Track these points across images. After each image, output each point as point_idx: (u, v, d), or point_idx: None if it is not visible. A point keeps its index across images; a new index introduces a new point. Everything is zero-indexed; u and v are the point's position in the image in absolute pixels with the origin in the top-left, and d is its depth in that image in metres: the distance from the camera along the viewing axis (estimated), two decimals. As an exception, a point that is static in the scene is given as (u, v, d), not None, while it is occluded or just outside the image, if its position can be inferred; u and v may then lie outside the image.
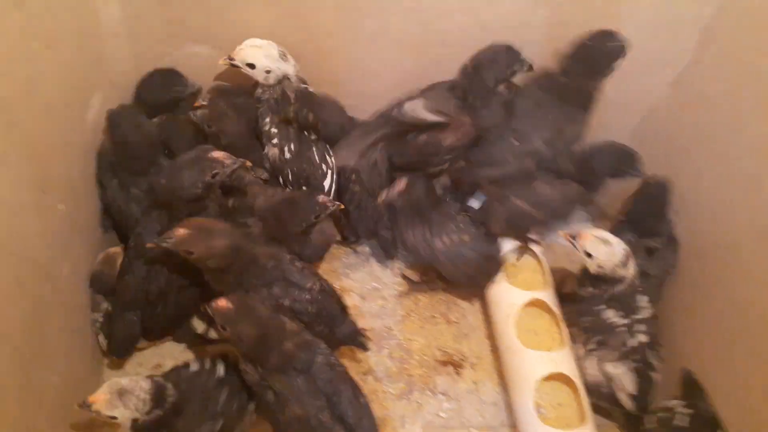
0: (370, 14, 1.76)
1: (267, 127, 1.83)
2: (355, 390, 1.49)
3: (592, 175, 1.89)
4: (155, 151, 1.78)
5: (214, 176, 1.53)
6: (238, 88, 1.90)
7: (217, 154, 1.54)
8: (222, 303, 1.31)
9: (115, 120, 1.70)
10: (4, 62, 1.24)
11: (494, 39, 1.80)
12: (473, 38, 1.79)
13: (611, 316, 1.69)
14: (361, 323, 1.99)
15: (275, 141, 1.83)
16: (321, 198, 1.70)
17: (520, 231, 1.96)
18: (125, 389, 1.29)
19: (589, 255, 1.67)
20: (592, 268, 1.68)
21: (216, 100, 1.78)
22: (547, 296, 1.92)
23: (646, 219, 1.89)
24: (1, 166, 1.23)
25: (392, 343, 2.00)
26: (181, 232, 1.38)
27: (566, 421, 1.75)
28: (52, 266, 1.48)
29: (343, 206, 1.74)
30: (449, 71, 1.89)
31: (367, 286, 2.13)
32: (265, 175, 1.89)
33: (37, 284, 1.40)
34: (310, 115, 1.81)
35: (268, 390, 1.38)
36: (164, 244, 1.39)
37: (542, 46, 1.82)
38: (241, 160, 1.57)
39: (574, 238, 1.70)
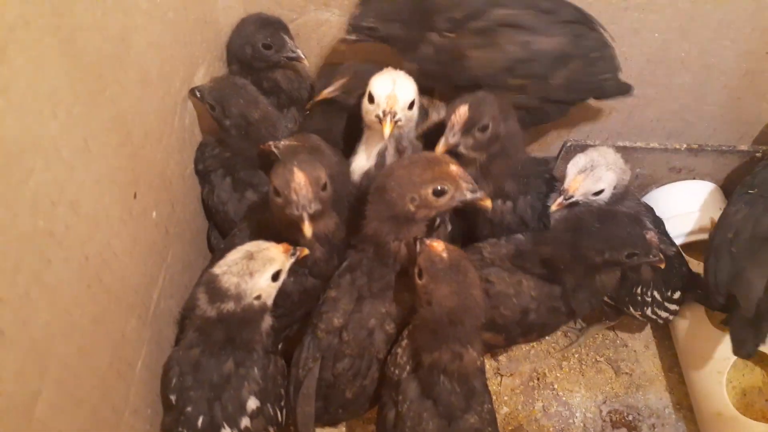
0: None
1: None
2: None
3: None
4: (278, 132, 1.38)
5: None
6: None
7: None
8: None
9: (222, 96, 1.31)
10: (92, 9, 0.86)
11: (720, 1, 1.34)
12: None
13: None
14: (506, 368, 1.60)
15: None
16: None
17: None
18: None
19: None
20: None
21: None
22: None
23: None
24: (83, 159, 0.87)
25: (547, 394, 1.60)
26: None
27: None
28: (140, 294, 1.12)
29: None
30: (645, 44, 1.45)
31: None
32: None
33: (120, 320, 1.05)
34: None
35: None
36: None
37: None
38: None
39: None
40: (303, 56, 1.43)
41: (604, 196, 1.30)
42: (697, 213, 1.63)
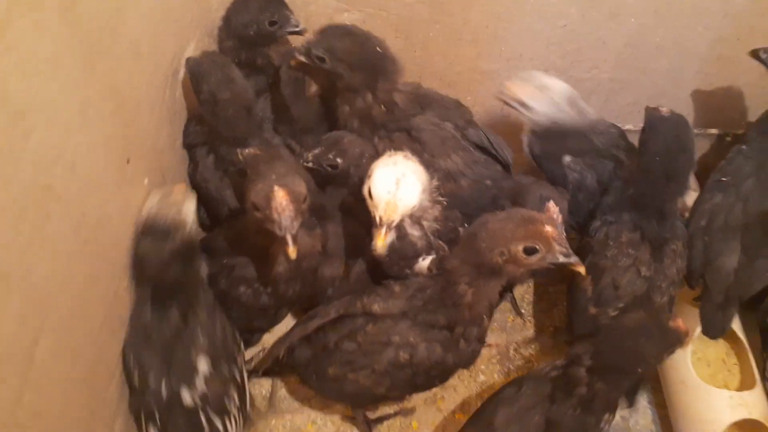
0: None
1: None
2: None
3: None
4: (252, 116, 1.41)
5: None
6: None
7: None
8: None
9: (198, 70, 1.33)
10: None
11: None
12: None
13: None
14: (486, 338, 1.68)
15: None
16: None
17: None
18: None
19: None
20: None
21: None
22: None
23: None
24: (81, 122, 0.92)
25: (522, 364, 1.68)
26: None
27: (754, 478, 1.46)
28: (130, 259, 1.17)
29: None
30: (623, 29, 1.51)
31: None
32: None
33: (114, 279, 1.11)
34: None
35: None
36: None
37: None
38: None
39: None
40: (305, 28, 1.47)
41: (533, 115, 1.44)
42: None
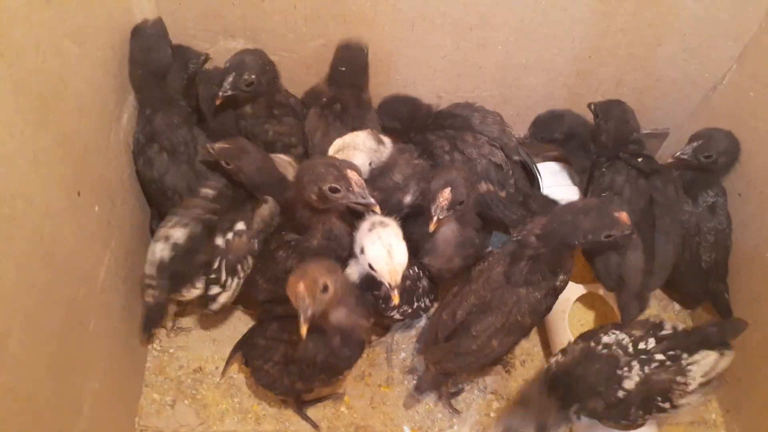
0: (408, -3, 1.68)
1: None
2: None
3: None
4: (162, 84, 1.66)
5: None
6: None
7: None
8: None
9: (137, 31, 1.59)
10: (34, 58, 1.19)
11: (543, 20, 1.70)
12: (519, 20, 1.71)
13: None
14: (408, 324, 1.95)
15: None
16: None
17: None
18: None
19: None
20: None
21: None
22: (603, 289, 1.83)
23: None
24: (34, 166, 1.19)
25: (437, 342, 1.93)
26: None
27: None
28: (87, 269, 1.44)
29: None
30: (492, 55, 1.80)
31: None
32: None
33: (72, 287, 1.37)
34: None
35: None
36: None
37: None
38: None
39: None
40: (208, 54, 1.77)
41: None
42: (551, 187, 2.00)
